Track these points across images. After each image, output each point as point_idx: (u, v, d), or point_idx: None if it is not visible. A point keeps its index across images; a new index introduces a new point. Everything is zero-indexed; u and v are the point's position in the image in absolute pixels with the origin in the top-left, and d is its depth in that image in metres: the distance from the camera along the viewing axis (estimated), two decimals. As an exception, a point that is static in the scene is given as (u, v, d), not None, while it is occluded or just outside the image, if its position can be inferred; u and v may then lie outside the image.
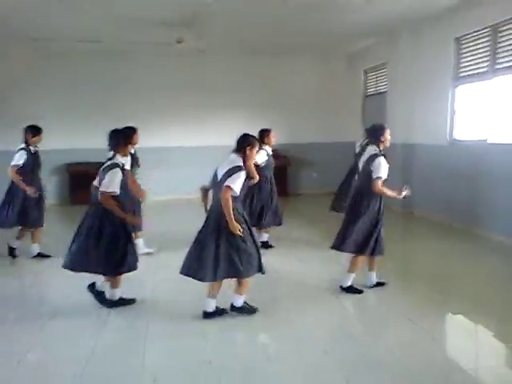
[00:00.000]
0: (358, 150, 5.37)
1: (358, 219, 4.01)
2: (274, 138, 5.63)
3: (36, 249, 5.37)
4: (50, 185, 9.29)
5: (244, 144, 3.53)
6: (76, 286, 4.08)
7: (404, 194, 4.07)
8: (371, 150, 4.08)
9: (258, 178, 3.96)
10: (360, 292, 4.15)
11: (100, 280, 3.91)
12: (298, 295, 4.16)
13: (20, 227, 5.34)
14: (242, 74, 9.92)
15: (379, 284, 4.28)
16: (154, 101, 9.58)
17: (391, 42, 8.22)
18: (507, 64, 5.76)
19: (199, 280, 3.47)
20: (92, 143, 9.18)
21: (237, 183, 3.39)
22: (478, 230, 6.21)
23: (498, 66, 5.93)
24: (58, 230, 6.44)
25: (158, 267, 4.98)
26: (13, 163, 5.05)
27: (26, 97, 9.20)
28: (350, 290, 4.15)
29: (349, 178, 5.54)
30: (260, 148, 5.37)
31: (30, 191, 5.04)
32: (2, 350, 3.19)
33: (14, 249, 5.38)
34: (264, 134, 5.55)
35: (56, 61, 9.27)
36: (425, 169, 7.45)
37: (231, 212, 3.36)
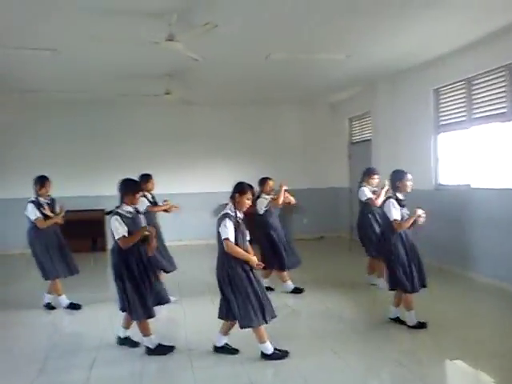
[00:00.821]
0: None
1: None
2: (270, 187, 5.89)
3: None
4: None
5: (234, 191, 3.78)
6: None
7: (418, 212, 4.31)
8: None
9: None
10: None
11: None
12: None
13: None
14: (228, 124, 10.23)
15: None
16: (142, 149, 9.76)
17: (372, 93, 8.59)
18: (482, 114, 6.06)
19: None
20: (80, 191, 9.34)
21: (229, 232, 3.58)
22: (466, 272, 6.29)
23: (474, 116, 6.21)
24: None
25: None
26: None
27: (15, 146, 9.39)
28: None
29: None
30: (258, 197, 5.61)
31: None
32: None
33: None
34: (261, 182, 5.84)
35: (43, 111, 9.50)
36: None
37: (241, 253, 3.60)
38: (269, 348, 3.70)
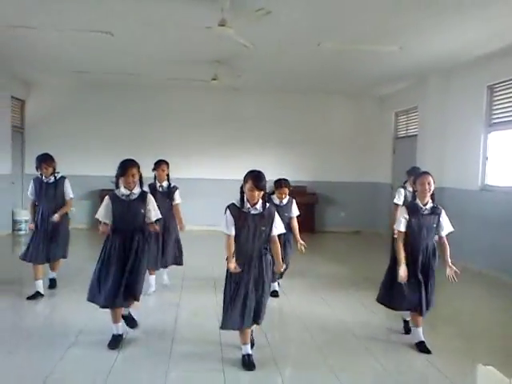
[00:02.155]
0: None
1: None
2: (285, 194, 4.85)
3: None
4: (83, 209, 9.68)
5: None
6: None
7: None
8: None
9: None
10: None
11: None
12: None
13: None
14: (273, 111, 10.19)
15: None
16: (186, 134, 9.94)
17: (422, 87, 8.35)
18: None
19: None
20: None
21: (223, 224, 3.29)
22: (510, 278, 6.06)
23: (531, 115, 5.96)
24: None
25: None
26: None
27: (62, 125, 9.79)
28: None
29: None
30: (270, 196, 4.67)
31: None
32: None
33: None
34: (277, 184, 4.88)
35: (95, 92, 9.82)
36: (455, 213, 7.37)
37: (228, 251, 3.26)
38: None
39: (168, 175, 5.21)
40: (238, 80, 8.68)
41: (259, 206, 3.27)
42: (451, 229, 3.76)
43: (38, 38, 6.40)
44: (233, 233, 3.26)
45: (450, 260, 3.73)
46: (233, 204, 3.29)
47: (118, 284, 3.52)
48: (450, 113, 7.63)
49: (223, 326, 3.32)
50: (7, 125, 8.88)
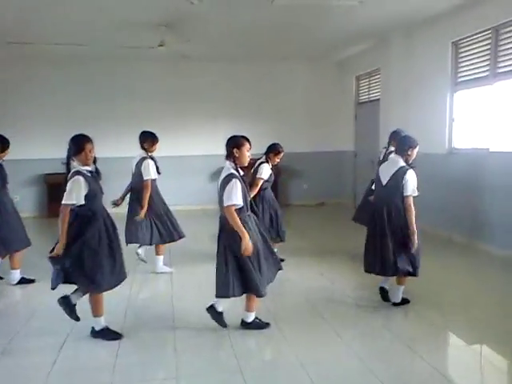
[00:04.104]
0: (381, 158, 5.08)
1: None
2: (280, 159, 5.21)
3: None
4: (28, 196, 8.86)
5: (230, 147, 3.29)
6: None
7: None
8: (398, 161, 3.79)
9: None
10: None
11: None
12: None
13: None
14: (228, 82, 9.57)
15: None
16: (136, 107, 9.16)
17: (384, 48, 7.91)
18: (509, 68, 5.45)
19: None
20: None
21: (233, 196, 3.14)
22: (479, 243, 5.84)
23: (499, 70, 5.61)
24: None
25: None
26: None
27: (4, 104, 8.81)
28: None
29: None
30: (263, 163, 5.02)
31: None
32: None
33: None
34: (275, 149, 5.13)
35: (32, 65, 8.84)
36: (421, 178, 7.09)
37: (240, 227, 3.16)
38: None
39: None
40: (187, 46, 7.92)
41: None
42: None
43: None
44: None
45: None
46: (234, 173, 3.21)
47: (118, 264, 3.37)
48: (414, 74, 7.23)
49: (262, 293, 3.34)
50: None
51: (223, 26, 7.04)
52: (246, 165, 3.39)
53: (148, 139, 4.90)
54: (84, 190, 3.18)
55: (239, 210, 3.22)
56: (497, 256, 5.46)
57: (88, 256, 3.21)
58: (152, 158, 4.87)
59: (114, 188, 4.95)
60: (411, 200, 3.72)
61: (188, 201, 9.21)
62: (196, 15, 6.21)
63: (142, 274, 5.02)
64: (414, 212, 3.70)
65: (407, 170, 3.75)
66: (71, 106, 9.08)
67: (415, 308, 3.92)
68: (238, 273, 3.28)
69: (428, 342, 3.31)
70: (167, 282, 4.82)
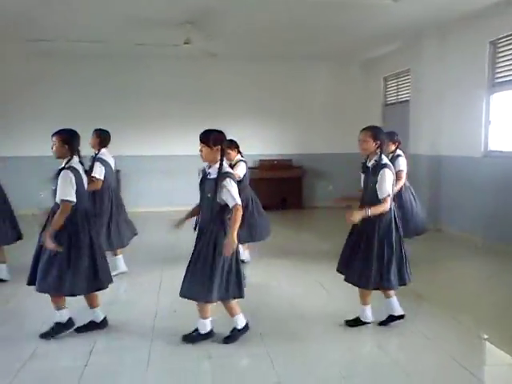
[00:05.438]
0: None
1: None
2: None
3: None
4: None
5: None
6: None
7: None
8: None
9: None
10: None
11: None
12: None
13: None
14: (254, 81, 9.45)
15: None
16: (155, 106, 9.09)
17: (415, 47, 7.68)
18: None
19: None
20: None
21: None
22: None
23: (541, 71, 5.37)
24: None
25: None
26: None
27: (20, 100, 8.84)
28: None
29: None
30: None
31: None
32: None
33: None
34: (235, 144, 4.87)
35: (53, 62, 8.84)
36: (454, 182, 6.87)
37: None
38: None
39: None
40: (212, 44, 7.84)
41: None
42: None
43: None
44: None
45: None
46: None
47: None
48: (448, 74, 7.01)
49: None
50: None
51: (249, 23, 6.95)
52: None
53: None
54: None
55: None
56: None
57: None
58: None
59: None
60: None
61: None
62: (221, 12, 6.13)
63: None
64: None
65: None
66: (97, 103, 9.00)
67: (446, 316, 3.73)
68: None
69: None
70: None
